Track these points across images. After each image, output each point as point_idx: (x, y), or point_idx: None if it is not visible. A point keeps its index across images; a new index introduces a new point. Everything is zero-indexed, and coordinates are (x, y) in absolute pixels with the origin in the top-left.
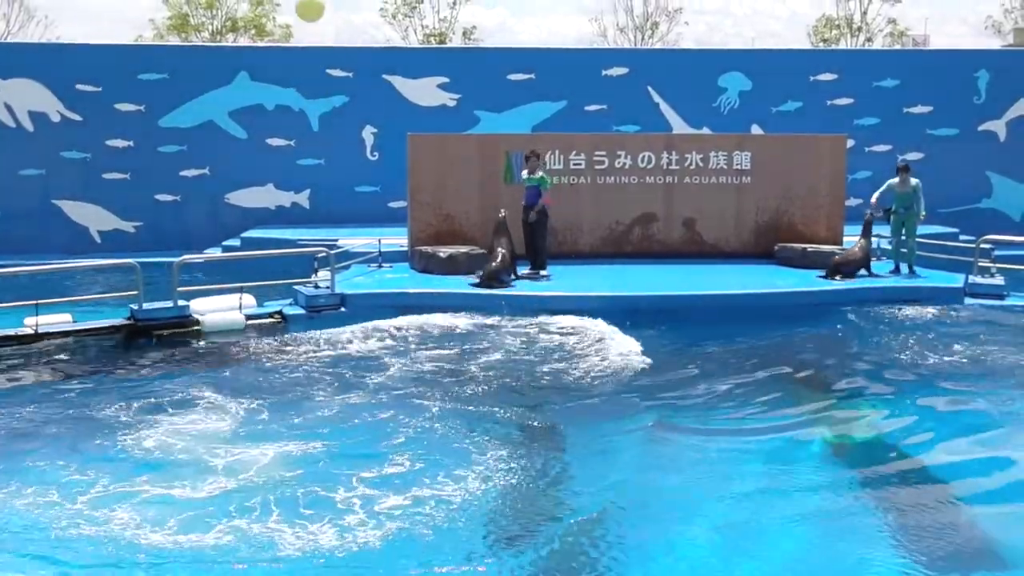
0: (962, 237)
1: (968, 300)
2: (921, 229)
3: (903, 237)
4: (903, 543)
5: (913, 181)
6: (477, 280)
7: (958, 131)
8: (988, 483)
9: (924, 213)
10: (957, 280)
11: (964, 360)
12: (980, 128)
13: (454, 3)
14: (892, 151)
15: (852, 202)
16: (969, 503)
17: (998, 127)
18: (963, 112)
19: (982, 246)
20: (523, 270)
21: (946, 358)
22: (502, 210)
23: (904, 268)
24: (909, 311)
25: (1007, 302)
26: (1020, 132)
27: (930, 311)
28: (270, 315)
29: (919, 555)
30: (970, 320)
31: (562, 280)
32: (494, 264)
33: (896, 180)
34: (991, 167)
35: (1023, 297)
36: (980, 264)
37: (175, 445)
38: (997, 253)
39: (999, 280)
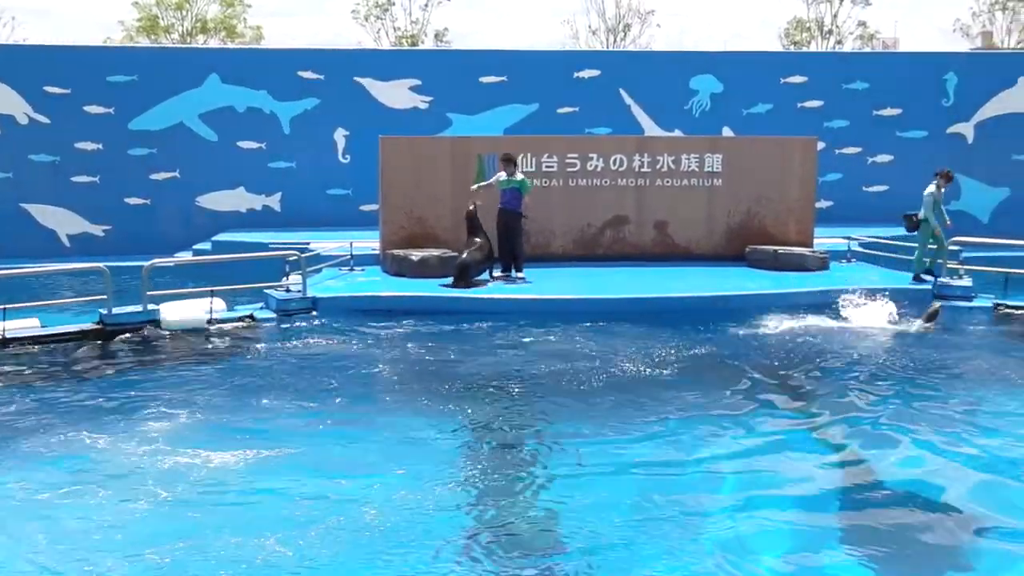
0: None
1: (937, 302)
2: (892, 231)
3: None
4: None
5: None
6: (451, 280)
7: (927, 133)
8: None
9: (929, 222)
10: (927, 282)
11: (934, 363)
12: (949, 131)
13: (426, 5)
14: (862, 153)
15: (822, 204)
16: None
17: (966, 130)
18: (932, 115)
19: (951, 248)
20: (496, 273)
21: (912, 362)
22: (474, 202)
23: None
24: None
25: (975, 303)
26: (988, 135)
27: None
28: (241, 319)
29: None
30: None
31: (536, 283)
32: (465, 256)
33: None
34: (960, 169)
35: (990, 299)
36: (949, 266)
37: (135, 451)
38: (965, 255)
39: (967, 282)
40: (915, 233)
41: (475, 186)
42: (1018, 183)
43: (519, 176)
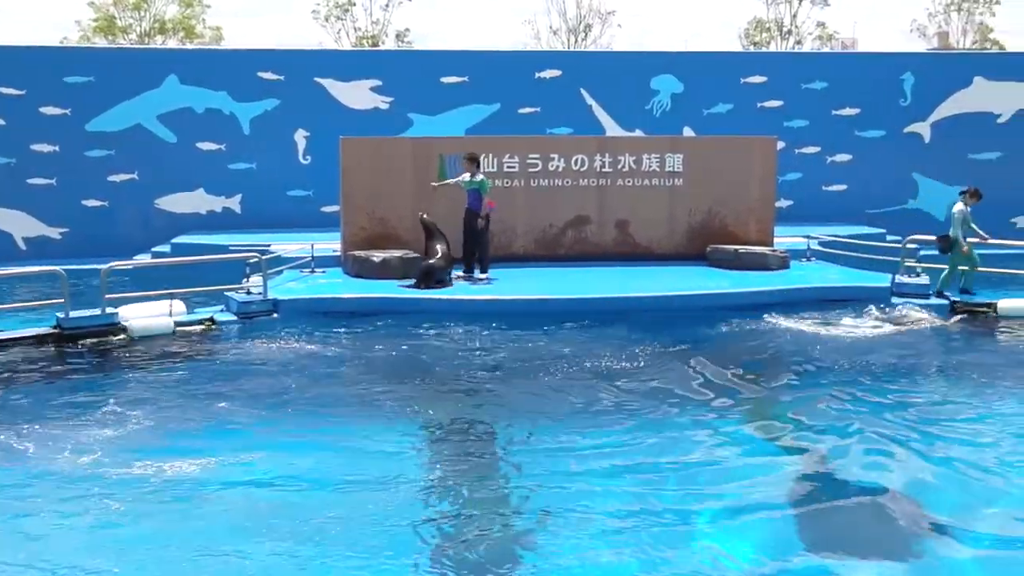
0: (889, 238)
1: (895, 299)
2: (850, 230)
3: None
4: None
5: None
6: (413, 282)
7: (885, 133)
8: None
9: (959, 241)
10: (885, 280)
11: (892, 360)
12: (906, 130)
13: (387, 5)
14: (821, 152)
15: (783, 203)
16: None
17: (923, 129)
18: (889, 114)
19: (908, 246)
20: (457, 273)
21: (870, 358)
22: (423, 213)
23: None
24: (838, 311)
25: (932, 301)
26: (945, 134)
27: (856, 310)
28: (201, 322)
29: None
30: (897, 320)
31: (499, 283)
32: (431, 261)
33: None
34: (917, 169)
35: (947, 296)
36: (907, 264)
37: (90, 457)
38: (923, 253)
39: (924, 280)
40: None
41: (435, 183)
42: (974, 182)
43: (479, 177)
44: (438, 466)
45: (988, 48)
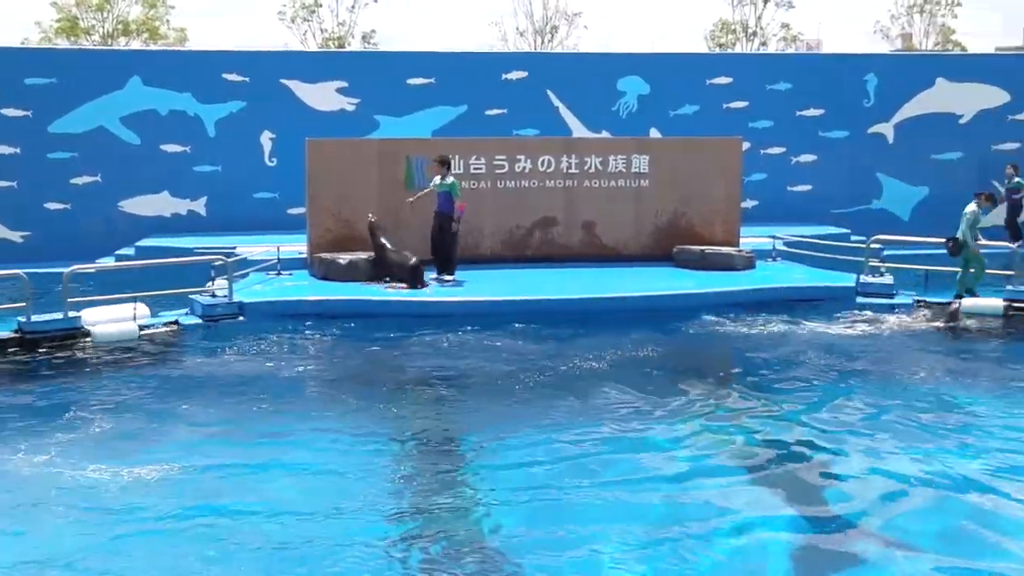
0: (853, 238)
1: (860, 299)
2: (815, 230)
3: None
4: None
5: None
6: (393, 284)
7: (849, 133)
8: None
9: (968, 242)
10: (850, 279)
11: (856, 358)
12: (870, 131)
13: (353, 6)
14: (786, 153)
15: (748, 204)
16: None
17: (886, 130)
18: (853, 115)
19: (872, 246)
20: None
21: (835, 357)
22: (373, 216)
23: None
24: (803, 310)
25: (897, 300)
26: (907, 134)
27: (821, 309)
28: (165, 325)
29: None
30: (862, 319)
31: (466, 285)
32: (414, 259)
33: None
34: (881, 169)
35: (911, 296)
36: (871, 264)
37: (50, 464)
38: (887, 253)
39: (889, 279)
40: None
41: (411, 198)
42: (937, 182)
43: (449, 179)
44: (403, 478)
45: (950, 49)
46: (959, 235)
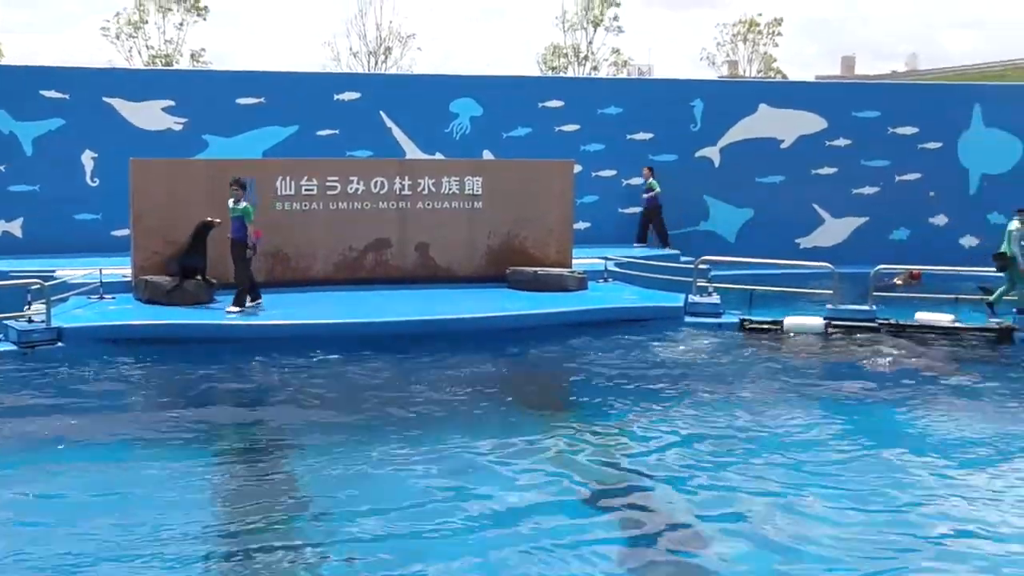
0: (683, 259)
1: (688, 318)
2: (646, 251)
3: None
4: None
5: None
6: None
7: (677, 157)
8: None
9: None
10: (679, 300)
11: (680, 378)
12: (697, 154)
13: (181, 24)
14: (617, 176)
15: (580, 225)
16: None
17: (713, 153)
18: (681, 139)
19: (700, 267)
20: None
21: (664, 371)
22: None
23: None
24: (634, 329)
25: (723, 319)
26: (733, 158)
27: (651, 329)
28: None
29: None
30: (689, 337)
31: (296, 308)
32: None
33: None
34: (708, 191)
35: (737, 315)
36: (699, 284)
37: None
38: (714, 273)
39: (716, 299)
40: (1004, 273)
41: (220, 220)
42: (761, 204)
43: (243, 204)
44: (226, 491)
45: (772, 77)
46: (1007, 251)
